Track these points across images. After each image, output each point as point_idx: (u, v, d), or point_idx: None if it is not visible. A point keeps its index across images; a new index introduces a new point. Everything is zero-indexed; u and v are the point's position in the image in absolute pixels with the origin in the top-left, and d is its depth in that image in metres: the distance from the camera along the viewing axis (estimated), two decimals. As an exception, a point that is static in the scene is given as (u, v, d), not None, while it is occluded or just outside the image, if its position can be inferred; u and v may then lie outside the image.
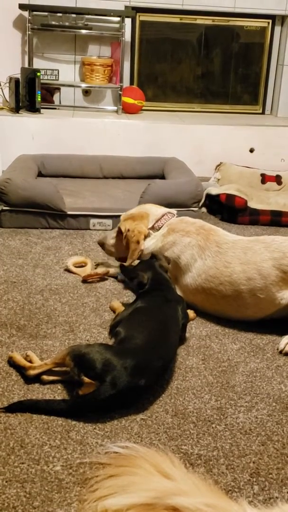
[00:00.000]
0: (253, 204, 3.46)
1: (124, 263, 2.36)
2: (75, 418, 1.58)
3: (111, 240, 2.50)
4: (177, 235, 2.33)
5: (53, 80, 4.54)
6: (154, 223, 2.42)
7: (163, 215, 2.43)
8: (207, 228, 2.34)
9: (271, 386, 1.82)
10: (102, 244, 2.54)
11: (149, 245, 2.38)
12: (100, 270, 2.54)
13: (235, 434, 1.59)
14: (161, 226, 2.41)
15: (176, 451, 1.50)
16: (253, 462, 1.48)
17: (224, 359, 1.96)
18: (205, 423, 1.63)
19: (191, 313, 2.17)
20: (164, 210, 2.47)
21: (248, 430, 1.61)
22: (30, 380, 1.73)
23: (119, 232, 2.46)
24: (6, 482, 1.35)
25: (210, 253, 2.23)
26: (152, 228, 2.42)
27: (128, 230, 2.40)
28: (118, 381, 1.59)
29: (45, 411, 1.60)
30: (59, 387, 1.72)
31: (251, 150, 4.16)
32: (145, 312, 1.93)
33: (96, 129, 4.07)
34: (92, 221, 3.17)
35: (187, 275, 2.25)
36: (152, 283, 2.06)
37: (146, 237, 2.40)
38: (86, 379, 1.60)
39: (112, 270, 2.54)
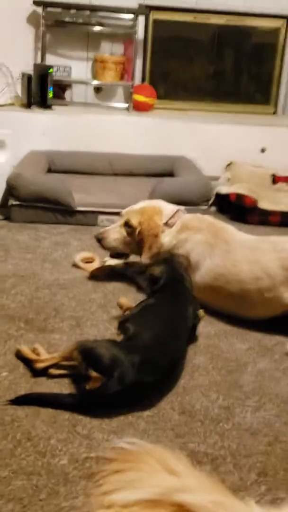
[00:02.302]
0: (263, 204, 3.44)
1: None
2: (82, 413, 1.58)
3: (114, 234, 2.41)
4: (190, 232, 2.31)
5: (65, 76, 4.53)
6: (168, 220, 2.37)
7: (176, 212, 2.41)
8: (218, 226, 2.33)
9: (279, 387, 1.81)
10: (101, 238, 2.42)
11: (164, 241, 2.34)
12: (108, 266, 2.54)
13: (242, 434, 1.58)
14: (175, 223, 2.37)
15: (182, 449, 1.49)
16: (260, 462, 1.47)
17: (232, 359, 1.95)
18: (212, 421, 1.62)
19: (200, 311, 2.16)
20: (176, 207, 2.45)
21: (256, 430, 1.60)
22: (37, 373, 1.73)
23: (127, 225, 2.38)
24: (13, 473, 1.35)
25: (219, 251, 2.22)
26: (166, 224, 2.37)
27: (142, 223, 2.34)
28: (125, 376, 1.58)
29: (52, 404, 1.59)
30: (66, 381, 1.72)
31: (263, 150, 4.15)
32: (155, 310, 1.92)
33: (107, 126, 4.06)
34: (101, 217, 3.17)
35: (196, 273, 2.23)
36: (166, 280, 2.03)
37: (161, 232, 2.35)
38: (94, 374, 1.59)
39: (119, 265, 2.54)
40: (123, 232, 2.40)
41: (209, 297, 2.23)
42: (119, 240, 2.41)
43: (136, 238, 2.36)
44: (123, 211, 2.47)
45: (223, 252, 2.22)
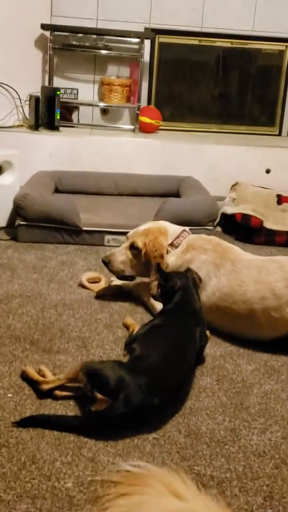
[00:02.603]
0: (269, 224, 3.45)
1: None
2: (87, 435, 1.57)
3: (120, 257, 2.43)
4: (195, 252, 2.32)
5: (72, 99, 4.60)
6: (173, 240, 2.39)
7: (181, 232, 2.42)
8: (223, 246, 2.34)
9: (285, 409, 1.79)
10: (108, 262, 2.43)
11: (169, 262, 2.36)
12: (114, 286, 2.55)
13: (249, 456, 1.56)
14: (180, 244, 2.38)
15: (188, 472, 1.47)
16: (267, 485, 1.46)
17: (238, 380, 1.94)
18: (218, 444, 1.60)
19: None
20: (181, 227, 2.47)
21: (262, 453, 1.58)
22: (42, 395, 1.72)
23: (133, 247, 2.40)
24: (17, 497, 1.34)
25: (224, 271, 2.22)
26: (171, 245, 2.38)
27: (147, 244, 2.36)
28: (131, 399, 1.57)
29: (57, 426, 1.58)
30: (71, 403, 1.71)
31: (267, 171, 4.17)
32: (162, 331, 1.91)
33: (113, 148, 4.10)
34: (107, 237, 3.18)
35: (202, 293, 2.23)
36: (179, 299, 2.01)
37: (167, 252, 2.37)
38: (99, 396, 1.58)
39: (125, 286, 2.54)
40: (129, 254, 2.41)
41: (215, 317, 2.22)
42: (125, 262, 2.42)
43: (142, 260, 2.37)
44: (128, 234, 2.48)
45: (229, 272, 2.22)
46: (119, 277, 2.49)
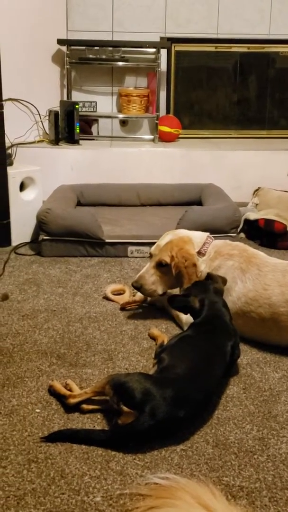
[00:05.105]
0: (292, 229, 3.42)
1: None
2: (115, 448, 1.58)
3: (150, 278, 2.38)
4: (222, 258, 2.30)
5: (91, 111, 4.65)
6: (200, 248, 2.35)
7: (206, 239, 2.38)
8: (249, 252, 2.32)
9: (314, 416, 1.77)
10: (140, 286, 2.39)
11: (200, 270, 2.32)
12: (138, 297, 2.55)
13: (278, 466, 1.55)
14: (207, 251, 2.34)
15: (217, 483, 1.47)
16: (298, 495, 1.44)
17: (265, 388, 1.92)
18: (247, 454, 1.59)
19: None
20: (204, 234, 2.45)
21: (292, 462, 1.57)
22: (70, 409, 1.74)
23: (161, 265, 2.36)
24: (47, 512, 1.36)
25: (250, 276, 2.21)
26: (199, 253, 2.34)
27: (175, 257, 2.32)
28: (157, 411, 1.57)
29: (85, 441, 1.59)
30: (98, 416, 1.72)
31: (290, 175, 4.14)
32: (191, 343, 1.90)
33: (134, 158, 4.13)
34: (130, 248, 3.20)
35: (228, 299, 2.21)
36: (207, 313, 2.00)
37: None
38: (125, 408, 1.59)
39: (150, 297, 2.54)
40: (158, 273, 2.37)
41: (240, 323, 2.21)
42: (157, 282, 2.38)
43: (173, 274, 2.34)
44: (151, 250, 2.45)
45: (254, 277, 2.20)
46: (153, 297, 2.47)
